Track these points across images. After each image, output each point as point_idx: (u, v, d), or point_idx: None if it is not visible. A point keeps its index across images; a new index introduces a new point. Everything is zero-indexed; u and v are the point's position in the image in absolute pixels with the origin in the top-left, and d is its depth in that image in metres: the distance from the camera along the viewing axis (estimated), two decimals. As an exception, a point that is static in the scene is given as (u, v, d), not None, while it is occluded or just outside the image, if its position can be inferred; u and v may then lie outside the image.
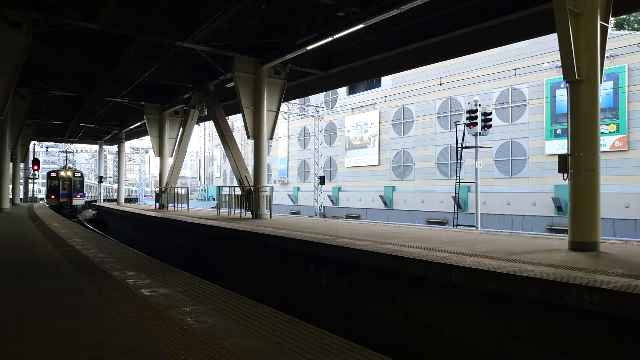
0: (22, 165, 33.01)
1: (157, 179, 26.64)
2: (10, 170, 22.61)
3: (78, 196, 34.73)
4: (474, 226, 18.89)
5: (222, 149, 21.73)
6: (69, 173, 34.96)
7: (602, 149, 7.69)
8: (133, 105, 24.58)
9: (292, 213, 40.15)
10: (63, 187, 34.15)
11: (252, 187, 16.16)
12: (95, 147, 46.34)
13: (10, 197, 24.33)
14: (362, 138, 42.88)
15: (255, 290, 9.06)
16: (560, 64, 7.40)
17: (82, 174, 36.14)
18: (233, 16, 12.36)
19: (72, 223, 15.35)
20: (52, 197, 33.75)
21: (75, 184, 34.82)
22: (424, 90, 31.71)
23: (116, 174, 41.97)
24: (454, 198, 22.57)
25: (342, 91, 43.63)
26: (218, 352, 3.06)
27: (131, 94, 21.59)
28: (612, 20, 19.70)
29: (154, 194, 35.35)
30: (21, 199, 33.24)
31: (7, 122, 19.86)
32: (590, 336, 4.76)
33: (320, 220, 17.66)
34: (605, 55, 7.78)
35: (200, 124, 28.12)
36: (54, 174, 34.74)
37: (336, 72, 16.66)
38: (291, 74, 16.62)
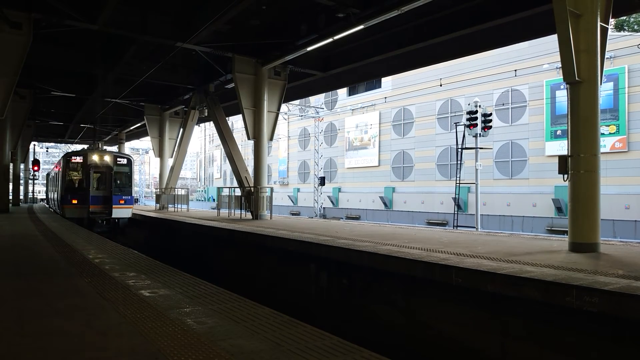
0: (22, 166, 32.82)
1: (157, 179, 26.58)
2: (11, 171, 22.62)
3: (122, 201, 19.34)
4: (474, 227, 18.87)
5: (222, 149, 21.74)
6: (107, 158, 19.54)
7: (602, 150, 7.69)
8: (133, 106, 24.61)
9: (292, 214, 40.12)
10: (95, 183, 19.22)
11: (252, 188, 16.17)
12: (96, 147, 46.02)
13: (11, 197, 24.32)
14: (362, 139, 42.86)
15: (255, 291, 9.06)
16: (561, 65, 7.41)
17: (130, 161, 20.55)
18: (233, 17, 12.38)
19: (73, 224, 14.73)
20: (74, 202, 18.79)
21: (119, 179, 19.77)
22: (424, 91, 31.69)
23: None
24: (454, 199, 22.55)
25: (342, 92, 43.62)
26: (218, 353, 3.06)
27: (131, 95, 21.61)
28: (612, 21, 19.70)
29: (154, 195, 33.28)
30: (21, 199, 32.86)
31: (7, 123, 19.87)
32: (590, 337, 4.75)
33: (320, 221, 17.66)
34: (605, 56, 7.78)
35: (200, 124, 28.17)
36: (77, 160, 19.48)
37: (336, 73, 16.68)
38: (291, 75, 16.64)
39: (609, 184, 22.43)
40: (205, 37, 13.88)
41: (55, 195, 21.79)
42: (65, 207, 18.86)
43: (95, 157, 19.35)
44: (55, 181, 22.26)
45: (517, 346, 5.38)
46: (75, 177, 19.50)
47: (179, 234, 15.58)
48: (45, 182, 36.61)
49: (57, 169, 22.37)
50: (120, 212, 19.31)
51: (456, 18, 12.19)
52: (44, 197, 39.15)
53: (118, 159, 19.93)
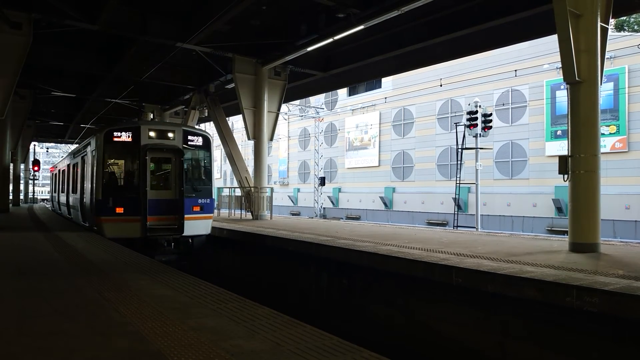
0: (22, 166, 32.78)
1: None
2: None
3: (197, 208, 11.64)
4: (474, 227, 18.86)
5: (223, 150, 21.78)
6: (173, 135, 11.57)
7: (602, 150, 7.68)
8: (133, 106, 24.57)
9: (292, 214, 40.10)
10: (155, 180, 11.65)
11: (252, 188, 16.17)
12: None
13: (11, 197, 24.32)
14: (363, 139, 42.83)
15: (255, 291, 9.05)
16: (561, 65, 7.41)
17: (208, 141, 12.28)
18: (233, 17, 12.38)
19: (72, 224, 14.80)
20: (119, 211, 10.78)
21: (192, 170, 12.28)
22: (424, 91, 31.69)
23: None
24: (454, 199, 22.54)
25: (343, 92, 43.58)
26: (218, 353, 3.06)
27: (132, 95, 21.61)
28: (612, 21, 19.68)
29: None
30: (21, 199, 32.82)
31: (7, 123, 19.86)
32: (590, 337, 4.75)
33: (320, 221, 17.65)
34: (606, 56, 7.78)
35: (200, 124, 28.12)
36: (124, 138, 11.20)
37: (337, 73, 16.70)
38: (291, 75, 16.64)
39: (609, 184, 22.39)
40: (206, 37, 13.89)
41: (81, 200, 13.17)
42: (103, 220, 10.84)
43: (153, 134, 11.38)
44: (79, 176, 13.67)
45: (517, 346, 5.38)
46: (119, 169, 11.81)
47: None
48: (51, 180, 27.58)
49: (79, 160, 13.94)
50: (196, 225, 11.64)
51: (456, 18, 12.19)
52: (47, 197, 37.72)
53: (190, 138, 11.96)
